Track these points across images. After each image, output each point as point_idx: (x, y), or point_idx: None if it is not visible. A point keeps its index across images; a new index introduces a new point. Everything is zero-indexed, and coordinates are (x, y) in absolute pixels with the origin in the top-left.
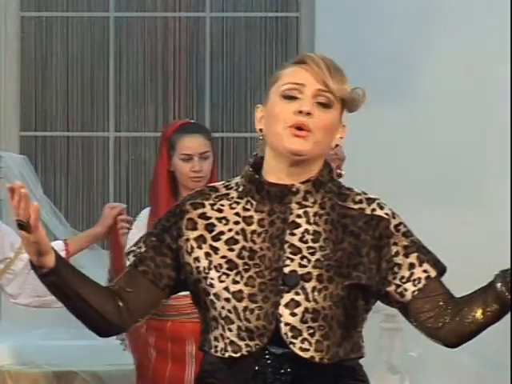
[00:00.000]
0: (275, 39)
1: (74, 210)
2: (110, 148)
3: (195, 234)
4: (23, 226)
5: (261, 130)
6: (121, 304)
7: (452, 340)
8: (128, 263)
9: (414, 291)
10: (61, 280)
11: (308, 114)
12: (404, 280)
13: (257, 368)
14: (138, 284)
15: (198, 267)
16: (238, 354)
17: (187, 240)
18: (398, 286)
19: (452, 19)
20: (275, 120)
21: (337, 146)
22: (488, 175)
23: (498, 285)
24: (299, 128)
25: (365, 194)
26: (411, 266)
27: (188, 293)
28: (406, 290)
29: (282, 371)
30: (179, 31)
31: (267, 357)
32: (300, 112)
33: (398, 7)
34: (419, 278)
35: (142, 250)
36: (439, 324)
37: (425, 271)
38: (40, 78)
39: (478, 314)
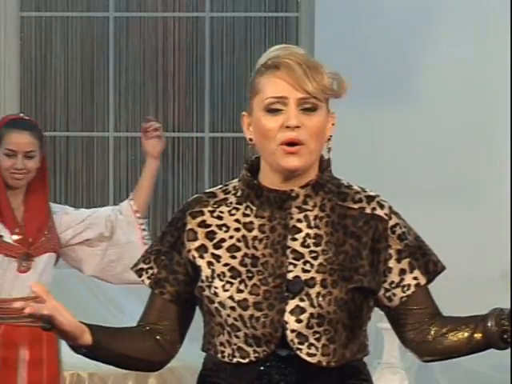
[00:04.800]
0: (275, 39)
1: None
2: (110, 148)
3: (196, 244)
4: (48, 328)
5: (251, 139)
6: (159, 338)
7: (427, 357)
8: (144, 283)
9: (402, 297)
10: (102, 350)
11: (296, 127)
12: (393, 285)
13: (262, 369)
14: (165, 312)
15: (201, 276)
16: (247, 360)
17: (189, 251)
18: (387, 290)
19: (452, 19)
20: (264, 136)
21: (330, 137)
22: (488, 175)
23: (489, 323)
24: (291, 144)
25: (364, 191)
26: (402, 271)
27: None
28: (394, 295)
29: (287, 372)
30: (179, 31)
31: (272, 357)
32: (287, 127)
33: (398, 7)
34: (409, 285)
35: (155, 270)
36: (421, 339)
37: (415, 278)
38: (40, 78)
39: (462, 342)
